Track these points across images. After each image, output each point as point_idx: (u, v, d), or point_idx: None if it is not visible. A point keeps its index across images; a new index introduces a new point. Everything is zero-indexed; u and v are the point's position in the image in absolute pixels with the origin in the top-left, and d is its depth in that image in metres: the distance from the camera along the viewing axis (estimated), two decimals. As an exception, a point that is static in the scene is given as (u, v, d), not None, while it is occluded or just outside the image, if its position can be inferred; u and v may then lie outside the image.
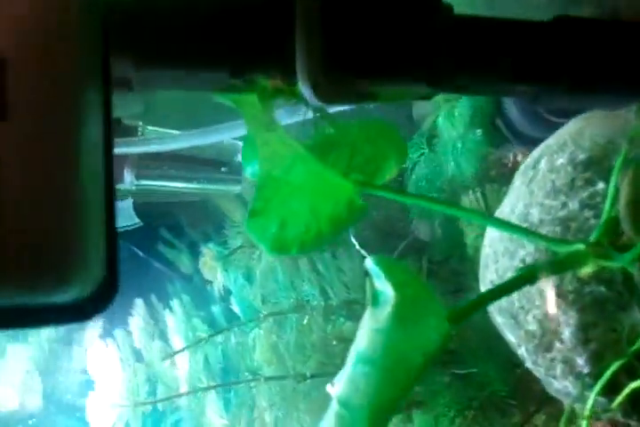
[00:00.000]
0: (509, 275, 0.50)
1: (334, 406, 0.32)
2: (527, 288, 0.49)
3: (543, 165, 0.51)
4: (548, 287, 0.47)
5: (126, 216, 1.00)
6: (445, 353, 0.79)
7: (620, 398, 0.45)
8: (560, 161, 0.50)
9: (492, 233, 0.54)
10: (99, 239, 0.26)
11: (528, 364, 0.51)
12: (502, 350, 0.79)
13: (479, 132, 0.78)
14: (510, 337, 0.51)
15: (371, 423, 0.31)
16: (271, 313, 0.98)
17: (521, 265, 0.49)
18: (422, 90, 0.40)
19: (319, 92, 0.37)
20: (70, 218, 0.23)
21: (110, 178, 0.25)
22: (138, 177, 1.00)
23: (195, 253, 1.22)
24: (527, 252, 0.48)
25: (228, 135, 0.85)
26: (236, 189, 1.09)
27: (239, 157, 1.11)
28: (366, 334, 0.33)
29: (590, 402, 0.46)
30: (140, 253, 1.38)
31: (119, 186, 0.98)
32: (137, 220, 1.00)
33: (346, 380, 0.32)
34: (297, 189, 0.42)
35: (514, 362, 0.77)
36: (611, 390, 0.47)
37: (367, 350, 0.32)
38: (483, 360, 0.76)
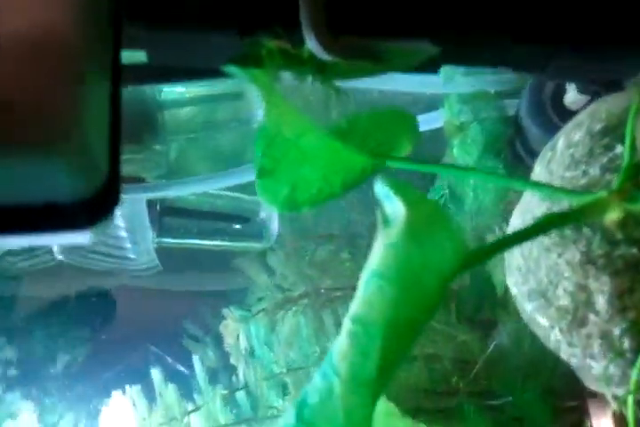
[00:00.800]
0: (535, 254, 0.48)
1: (347, 325, 0.30)
2: (553, 260, 0.47)
3: (561, 143, 0.51)
4: (576, 254, 0.45)
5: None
6: (477, 382, 0.76)
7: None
8: (577, 136, 0.50)
9: (513, 221, 0.53)
10: (102, 125, 0.26)
11: (564, 349, 0.48)
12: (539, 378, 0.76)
13: (492, 157, 0.79)
14: (542, 321, 0.49)
15: (385, 340, 0.30)
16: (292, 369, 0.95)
17: (546, 240, 0.48)
18: (426, 48, 0.41)
19: (324, 43, 0.38)
20: (74, 78, 0.23)
21: (117, 54, 0.26)
22: (159, 235, 1.02)
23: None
24: (550, 224, 0.47)
25: (246, 177, 0.87)
26: (258, 246, 1.10)
27: (262, 215, 1.13)
28: (379, 250, 0.32)
29: (634, 377, 0.43)
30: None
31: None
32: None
33: (359, 298, 0.31)
34: (308, 157, 0.43)
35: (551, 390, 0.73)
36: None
37: (380, 267, 0.31)
38: (517, 389, 0.72)
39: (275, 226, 1.08)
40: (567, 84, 0.69)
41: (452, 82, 0.84)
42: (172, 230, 0.97)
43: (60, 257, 0.75)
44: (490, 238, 0.89)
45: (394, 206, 0.33)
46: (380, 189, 0.34)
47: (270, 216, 1.08)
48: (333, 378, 0.29)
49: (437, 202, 0.37)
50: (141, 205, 0.74)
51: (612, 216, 0.40)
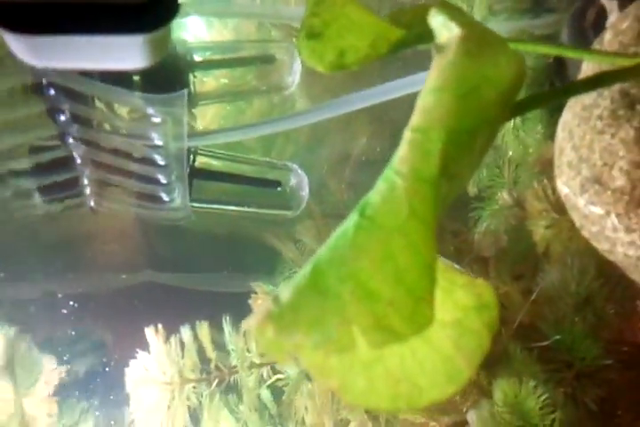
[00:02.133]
0: (588, 139, 0.48)
1: (406, 135, 0.31)
2: (607, 141, 0.47)
3: (608, 35, 0.51)
4: (629, 131, 0.45)
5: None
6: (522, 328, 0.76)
7: None
8: (625, 24, 0.50)
9: (564, 117, 0.53)
10: None
11: (621, 240, 0.47)
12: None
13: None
14: (596, 210, 0.48)
15: (445, 144, 0.30)
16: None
17: (599, 123, 0.48)
18: None
19: None
20: None
21: None
22: (192, 200, 1.02)
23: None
24: (603, 106, 0.47)
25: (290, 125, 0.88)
26: (288, 213, 1.10)
27: (292, 181, 1.13)
28: (435, 70, 0.32)
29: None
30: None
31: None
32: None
33: (417, 111, 0.31)
34: (355, 26, 0.44)
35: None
36: None
37: (438, 81, 0.32)
38: (565, 329, 0.72)
39: (305, 193, 1.08)
40: (608, 10, 0.70)
41: (489, 26, 0.85)
42: (201, 194, 0.98)
43: (91, 202, 0.75)
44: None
45: (450, 31, 0.34)
46: (435, 17, 0.34)
47: (301, 183, 1.08)
48: (395, 178, 0.29)
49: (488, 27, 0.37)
50: (183, 153, 0.75)
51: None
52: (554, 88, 0.36)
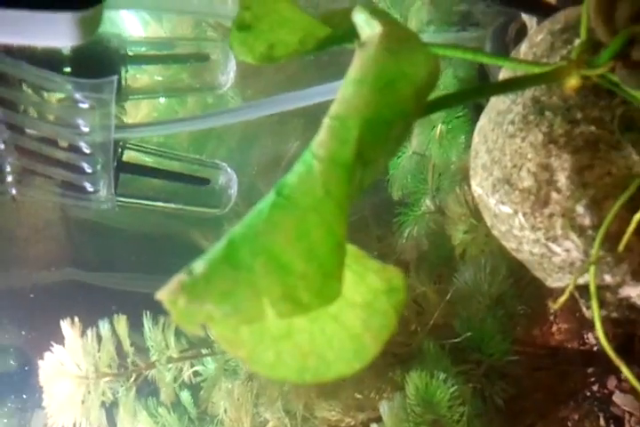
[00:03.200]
0: (500, 142, 0.51)
1: (326, 122, 0.32)
2: (517, 145, 0.50)
3: (524, 47, 0.54)
4: (538, 136, 0.48)
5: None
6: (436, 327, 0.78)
7: (625, 238, 0.45)
8: (539, 37, 0.53)
9: (481, 122, 0.56)
10: None
11: (527, 237, 0.50)
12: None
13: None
14: (505, 209, 0.51)
15: (361, 131, 0.31)
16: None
17: (511, 127, 0.50)
18: None
19: None
20: None
21: None
22: (118, 194, 1.01)
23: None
24: (515, 112, 0.50)
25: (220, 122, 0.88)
26: (215, 211, 1.10)
27: (221, 180, 1.13)
28: (356, 61, 0.34)
29: (595, 253, 0.46)
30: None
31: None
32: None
33: (338, 100, 0.33)
34: (286, 22, 0.45)
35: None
36: (614, 243, 0.47)
37: (358, 74, 0.33)
38: (476, 326, 0.75)
39: (233, 192, 1.08)
40: (528, 26, 0.74)
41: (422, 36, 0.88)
42: (128, 188, 0.97)
43: (14, 191, 0.73)
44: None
45: (371, 28, 0.35)
46: (358, 15, 0.36)
47: (229, 182, 1.08)
48: (313, 161, 0.30)
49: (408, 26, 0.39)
50: (109, 142, 0.74)
51: (572, 82, 0.42)
52: (468, 88, 0.39)
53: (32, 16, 0.29)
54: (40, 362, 1.12)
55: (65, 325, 1.06)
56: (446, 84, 0.86)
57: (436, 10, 0.83)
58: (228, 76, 1.03)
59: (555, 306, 0.47)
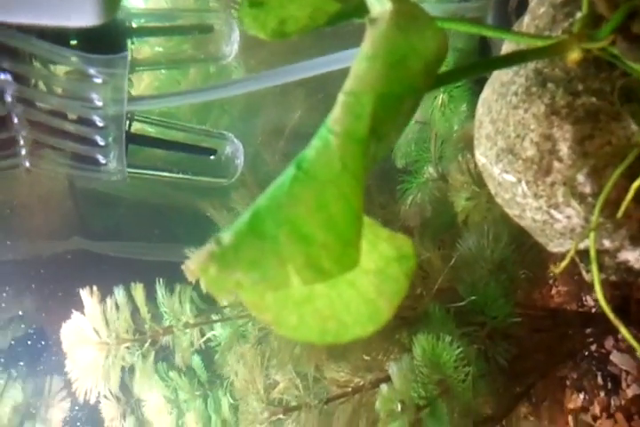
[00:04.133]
0: (504, 113, 0.52)
1: (340, 98, 0.33)
2: (520, 115, 0.51)
3: (526, 19, 0.55)
4: (540, 107, 0.49)
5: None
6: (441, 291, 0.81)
7: (624, 205, 0.46)
8: (541, 10, 0.54)
9: (484, 94, 0.57)
10: None
11: (530, 205, 0.52)
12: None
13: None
14: (509, 178, 0.52)
15: (375, 107, 0.33)
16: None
17: (514, 99, 0.52)
18: None
19: None
20: None
21: None
22: (128, 165, 1.02)
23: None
24: (518, 83, 0.51)
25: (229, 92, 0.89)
26: (223, 181, 1.11)
27: (227, 150, 1.15)
28: (368, 38, 0.35)
29: (595, 219, 0.47)
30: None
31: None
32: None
33: (350, 75, 0.34)
34: (294, -1, 0.46)
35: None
36: (613, 210, 0.48)
37: (370, 50, 0.34)
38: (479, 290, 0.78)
39: (240, 162, 1.10)
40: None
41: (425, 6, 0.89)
42: (136, 159, 0.98)
43: (27, 162, 0.74)
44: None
45: (382, 5, 0.36)
46: (368, -8, 0.37)
47: (236, 152, 1.09)
48: (329, 136, 0.32)
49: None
50: (122, 115, 0.75)
51: (573, 56, 0.43)
52: (473, 62, 0.40)
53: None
54: (53, 329, 1.15)
55: (84, 293, 1.08)
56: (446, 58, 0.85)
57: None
58: (232, 46, 1.03)
59: (556, 270, 0.49)
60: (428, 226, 1.03)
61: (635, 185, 0.46)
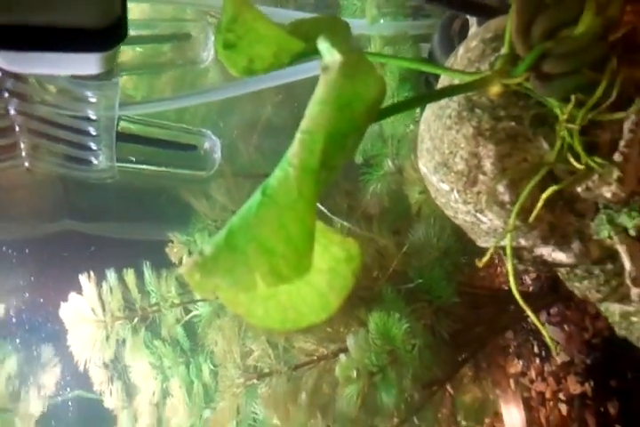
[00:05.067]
0: (440, 132, 0.59)
1: (298, 136, 0.39)
2: (453, 135, 0.57)
3: (461, 50, 0.61)
4: (469, 129, 0.56)
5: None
6: (395, 275, 0.88)
7: (535, 211, 0.53)
8: (474, 43, 0.60)
9: (426, 113, 0.63)
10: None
11: (461, 209, 0.58)
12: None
13: (408, 85, 0.89)
14: (444, 186, 0.59)
15: (325, 144, 0.39)
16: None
17: (448, 121, 0.58)
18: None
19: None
20: None
21: None
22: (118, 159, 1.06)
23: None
24: (452, 108, 0.57)
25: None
26: (202, 173, 1.17)
27: (206, 145, 1.19)
28: (321, 84, 0.41)
29: (512, 223, 0.54)
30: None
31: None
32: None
33: (306, 117, 0.40)
34: (262, 38, 0.51)
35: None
36: (527, 215, 0.55)
37: (322, 95, 0.40)
38: (427, 274, 0.85)
39: (218, 156, 1.15)
40: (470, 23, 0.80)
41: (377, 25, 0.94)
42: (123, 154, 1.02)
43: (26, 163, 0.79)
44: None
45: (332, 56, 0.42)
46: (322, 43, 0.43)
47: (213, 147, 1.14)
48: (288, 168, 0.38)
49: (364, 53, 0.45)
50: (113, 126, 0.79)
51: (495, 89, 0.50)
52: (410, 98, 0.46)
53: (69, 56, 0.35)
54: (44, 304, 1.21)
55: (82, 278, 1.14)
56: (393, 71, 0.91)
57: (390, 3, 0.88)
58: (209, 52, 1.07)
59: (479, 264, 0.56)
60: (387, 214, 1.10)
61: (544, 195, 0.52)
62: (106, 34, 0.36)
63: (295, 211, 0.36)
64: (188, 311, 1.24)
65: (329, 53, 0.42)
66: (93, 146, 0.82)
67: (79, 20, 0.34)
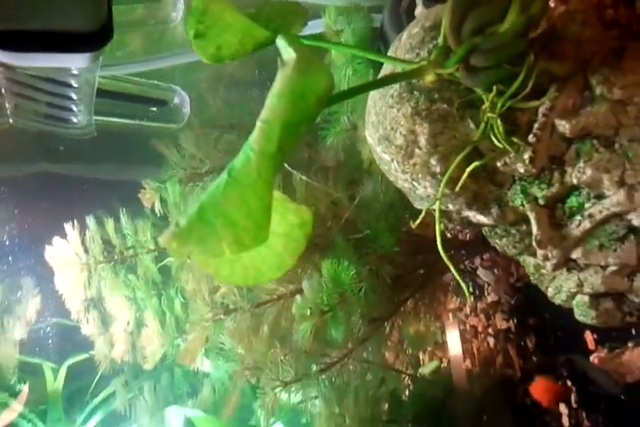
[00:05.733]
0: (384, 110, 0.64)
1: (258, 124, 0.44)
2: (394, 113, 0.63)
3: (404, 36, 0.65)
4: (408, 109, 0.61)
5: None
6: (346, 225, 0.96)
7: (461, 181, 0.60)
8: (415, 30, 0.64)
9: (372, 93, 0.68)
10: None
11: (400, 177, 0.65)
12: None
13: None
14: (386, 157, 0.65)
15: (281, 131, 0.44)
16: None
17: (390, 100, 0.63)
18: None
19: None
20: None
21: None
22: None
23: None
24: (394, 88, 0.63)
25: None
26: (173, 126, 1.20)
27: (175, 100, 1.22)
28: (278, 81, 0.46)
29: (441, 190, 0.61)
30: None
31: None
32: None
33: (266, 107, 0.45)
34: (229, 27, 0.55)
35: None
36: (455, 184, 0.62)
37: (278, 88, 0.45)
38: (373, 226, 0.92)
39: (187, 110, 1.18)
40: (417, 2, 0.84)
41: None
42: (98, 108, 1.05)
43: (11, 120, 0.82)
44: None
45: (288, 53, 0.47)
46: (280, 40, 0.47)
47: (182, 102, 1.17)
48: (250, 153, 0.43)
49: (317, 51, 0.50)
50: (93, 91, 0.82)
51: (429, 78, 0.55)
52: (355, 86, 0.50)
53: (62, 55, 0.39)
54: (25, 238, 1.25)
55: (68, 226, 1.18)
56: (346, 39, 0.94)
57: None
58: (178, 13, 1.08)
59: (413, 225, 0.63)
60: (342, 168, 1.16)
61: (469, 168, 0.59)
62: (96, 36, 0.40)
63: (255, 190, 0.42)
64: (163, 254, 1.29)
65: (285, 51, 0.47)
66: (74, 107, 0.85)
67: (73, 25, 0.39)
